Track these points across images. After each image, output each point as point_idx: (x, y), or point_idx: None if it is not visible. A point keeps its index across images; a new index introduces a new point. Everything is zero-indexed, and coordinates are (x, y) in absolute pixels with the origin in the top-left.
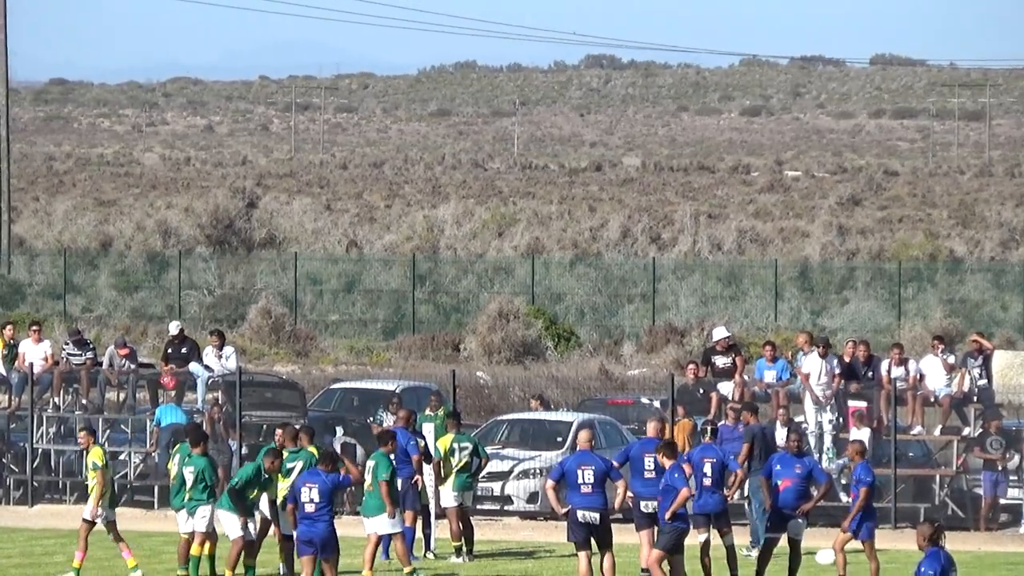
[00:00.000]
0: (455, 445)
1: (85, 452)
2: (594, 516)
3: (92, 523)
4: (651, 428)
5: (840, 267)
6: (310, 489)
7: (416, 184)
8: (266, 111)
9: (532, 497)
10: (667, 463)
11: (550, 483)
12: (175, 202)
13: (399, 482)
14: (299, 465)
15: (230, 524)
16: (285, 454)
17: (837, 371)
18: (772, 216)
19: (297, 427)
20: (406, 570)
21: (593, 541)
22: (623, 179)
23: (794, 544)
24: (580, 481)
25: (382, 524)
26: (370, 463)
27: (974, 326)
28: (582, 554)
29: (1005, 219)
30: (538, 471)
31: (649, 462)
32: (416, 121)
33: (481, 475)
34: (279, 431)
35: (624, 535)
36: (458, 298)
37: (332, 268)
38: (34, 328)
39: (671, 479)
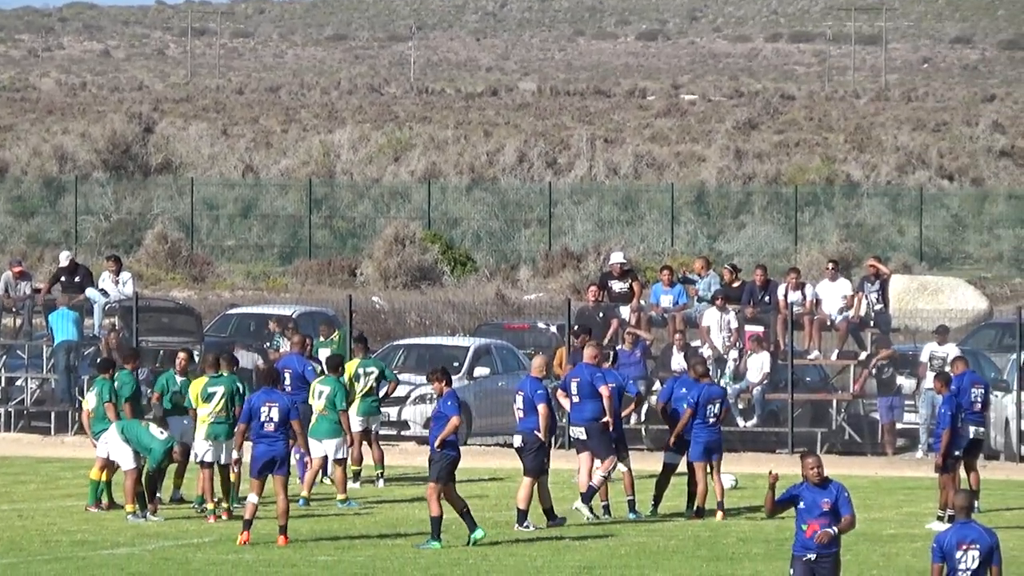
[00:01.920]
0: (360, 370)
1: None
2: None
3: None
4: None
5: (737, 192)
6: (270, 408)
7: (312, 109)
8: (162, 36)
9: (427, 422)
10: (445, 390)
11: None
12: (72, 127)
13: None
14: (220, 390)
15: (124, 454)
16: (204, 379)
17: (735, 326)
18: (669, 140)
19: (218, 352)
20: (340, 496)
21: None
22: (519, 104)
23: (691, 467)
24: (516, 405)
25: (334, 448)
26: (324, 388)
27: (871, 250)
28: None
29: (901, 143)
30: (434, 396)
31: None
32: (312, 46)
33: (388, 399)
34: (181, 355)
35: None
36: (354, 223)
37: (228, 193)
38: None
39: (444, 407)
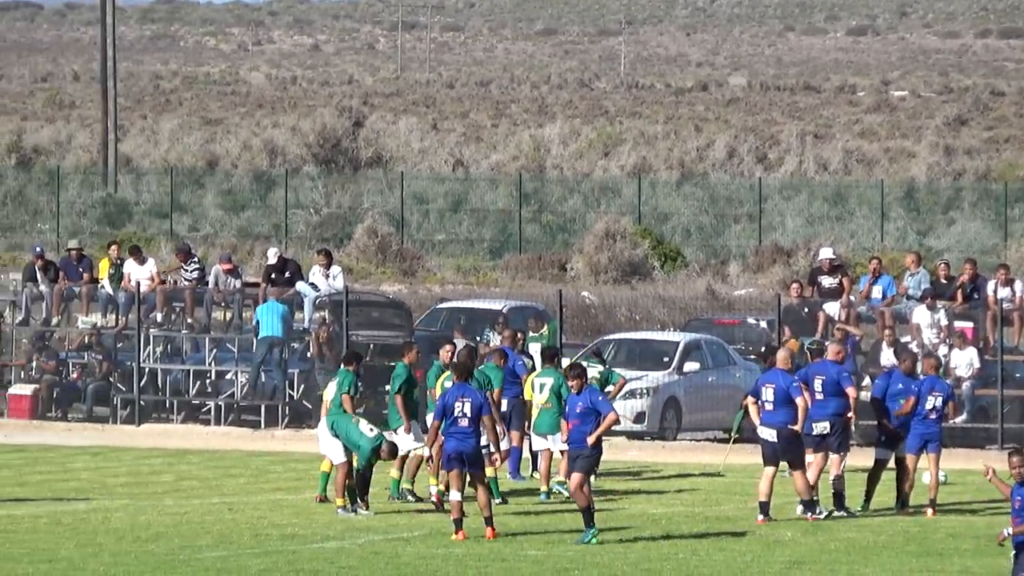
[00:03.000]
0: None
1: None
2: (771, 433)
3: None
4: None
5: (946, 187)
6: (463, 403)
7: (522, 104)
8: (372, 30)
9: (639, 417)
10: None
11: (750, 399)
12: (281, 121)
13: (504, 402)
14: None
15: (335, 449)
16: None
17: (944, 323)
18: (878, 136)
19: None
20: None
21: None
22: (729, 99)
23: (901, 461)
24: (764, 399)
25: (557, 443)
26: (545, 379)
27: None
28: (767, 469)
29: None
30: (644, 391)
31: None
32: (522, 40)
33: (619, 395)
34: (447, 347)
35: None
36: (564, 218)
37: (438, 187)
38: (135, 252)
39: (595, 403)
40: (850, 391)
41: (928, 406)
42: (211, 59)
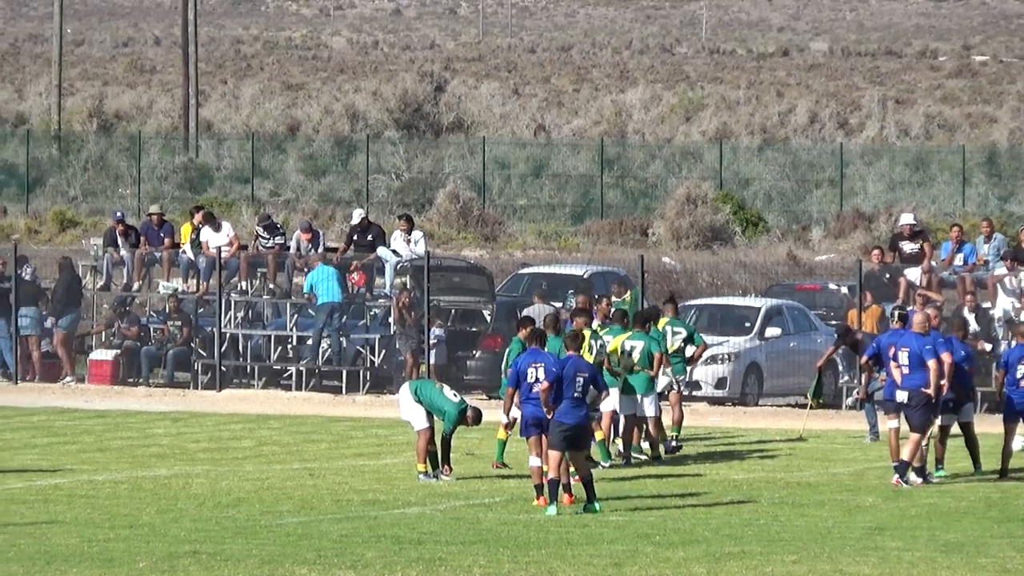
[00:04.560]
0: (668, 328)
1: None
2: (903, 395)
3: None
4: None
5: None
6: (536, 370)
7: (604, 69)
8: None
9: (720, 383)
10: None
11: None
12: (363, 86)
13: None
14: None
15: (417, 414)
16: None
17: None
18: (960, 101)
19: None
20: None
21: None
22: (810, 64)
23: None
24: (898, 362)
25: (648, 404)
26: (635, 343)
27: None
28: (912, 435)
29: None
30: (726, 356)
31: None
32: (604, 5)
33: (701, 361)
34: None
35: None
36: (646, 183)
37: (520, 153)
38: (210, 218)
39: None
40: (945, 356)
41: (1019, 374)
42: (292, 24)
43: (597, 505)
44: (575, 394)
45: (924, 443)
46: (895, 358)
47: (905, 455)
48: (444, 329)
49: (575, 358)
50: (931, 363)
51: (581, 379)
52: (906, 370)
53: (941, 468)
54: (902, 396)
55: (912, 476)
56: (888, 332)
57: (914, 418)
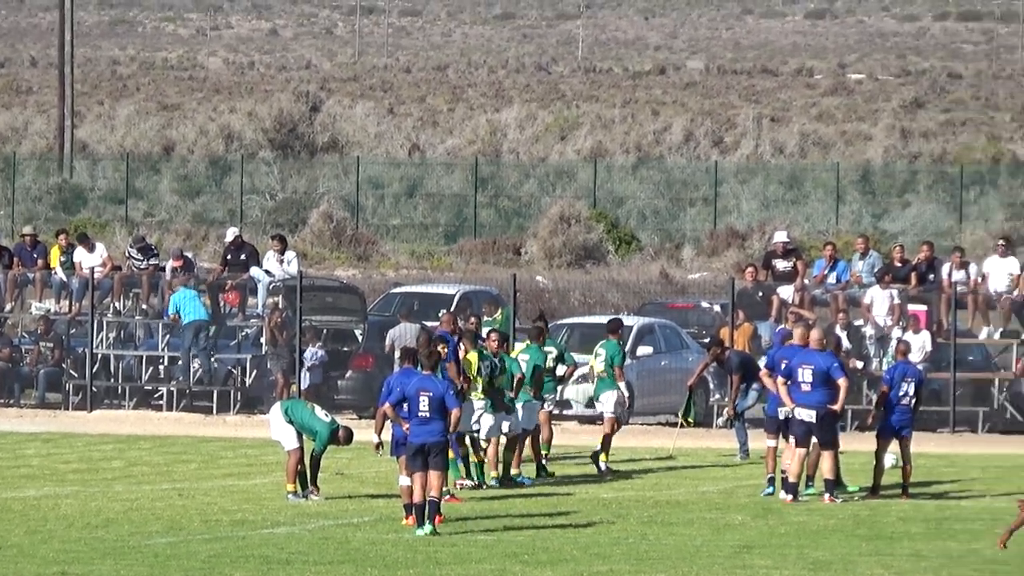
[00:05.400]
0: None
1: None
2: (809, 414)
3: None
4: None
5: (902, 170)
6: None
7: (479, 88)
8: (330, 15)
9: (591, 402)
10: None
11: (780, 379)
12: (238, 106)
13: None
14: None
15: (287, 435)
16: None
17: (897, 302)
18: (835, 119)
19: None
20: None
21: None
22: (686, 82)
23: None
24: (800, 379)
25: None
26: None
27: None
28: (798, 451)
29: None
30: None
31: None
32: (480, 24)
33: (572, 380)
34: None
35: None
36: (520, 202)
37: (394, 172)
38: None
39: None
40: (842, 382)
41: (901, 392)
42: (169, 44)
43: (426, 528)
44: (419, 412)
45: (789, 461)
46: (791, 375)
47: (828, 474)
48: (323, 350)
49: (422, 377)
50: (841, 381)
51: (426, 398)
52: (807, 387)
53: (811, 486)
54: (808, 414)
55: (782, 493)
56: (779, 348)
57: (825, 435)
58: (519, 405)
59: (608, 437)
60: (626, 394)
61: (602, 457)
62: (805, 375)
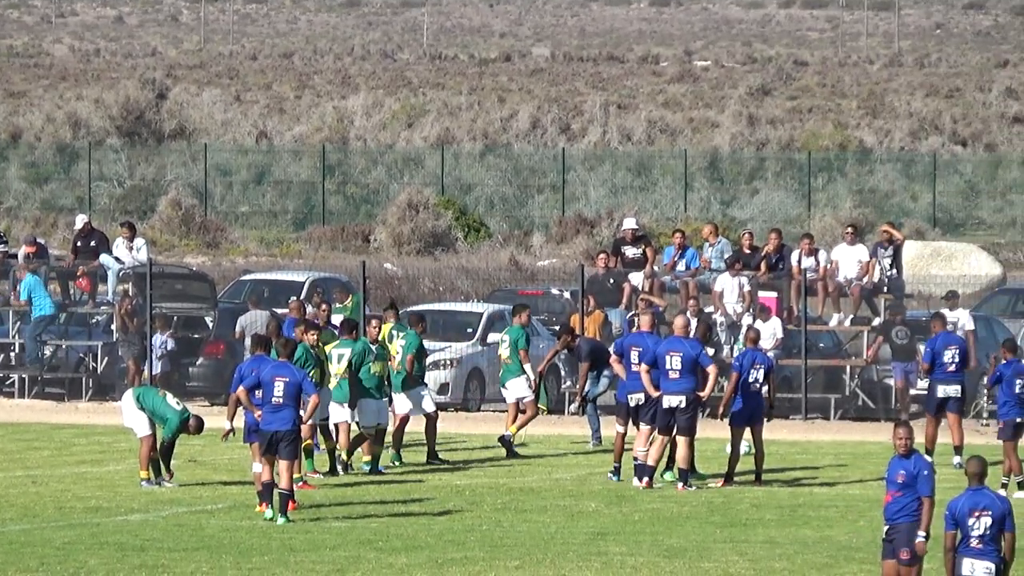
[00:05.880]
0: (395, 332)
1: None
2: (679, 400)
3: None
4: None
5: (750, 157)
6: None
7: (326, 75)
8: (176, 2)
9: (442, 388)
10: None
11: (644, 367)
12: (85, 93)
13: None
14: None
15: (139, 421)
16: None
17: (747, 289)
18: (682, 106)
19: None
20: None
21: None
22: (533, 69)
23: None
24: (668, 367)
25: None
26: (343, 351)
27: (884, 216)
28: (660, 437)
29: (914, 109)
30: (449, 362)
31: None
32: (325, 12)
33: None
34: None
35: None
36: (368, 189)
37: (242, 159)
38: None
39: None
40: (711, 369)
41: (751, 379)
42: (14, 31)
43: (279, 519)
44: (272, 399)
45: (642, 447)
46: (656, 362)
47: (682, 463)
48: (173, 338)
49: (276, 363)
50: (711, 368)
51: (281, 384)
52: (676, 375)
53: (670, 471)
54: (676, 400)
55: (635, 480)
56: (630, 334)
57: (684, 421)
58: (400, 394)
59: (527, 421)
60: (532, 377)
61: (512, 430)
62: (673, 362)
